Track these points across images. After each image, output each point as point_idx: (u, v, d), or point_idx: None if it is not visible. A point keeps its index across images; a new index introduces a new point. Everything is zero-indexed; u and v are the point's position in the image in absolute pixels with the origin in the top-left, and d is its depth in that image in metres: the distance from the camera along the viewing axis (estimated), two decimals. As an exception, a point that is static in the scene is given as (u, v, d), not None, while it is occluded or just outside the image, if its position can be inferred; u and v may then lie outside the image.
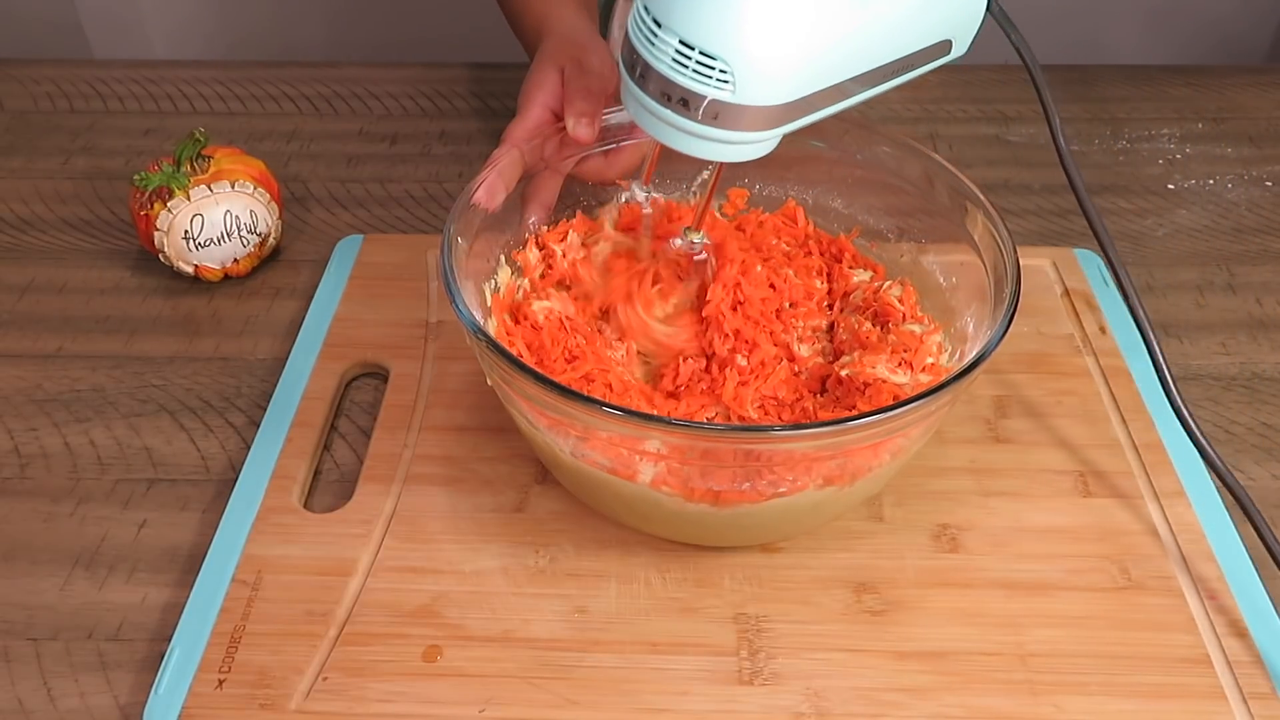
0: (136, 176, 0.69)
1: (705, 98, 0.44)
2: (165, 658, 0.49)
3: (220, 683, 0.48)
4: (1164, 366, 0.54)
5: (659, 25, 0.44)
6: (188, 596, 0.51)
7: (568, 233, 0.61)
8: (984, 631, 0.51)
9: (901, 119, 0.91)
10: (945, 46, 0.49)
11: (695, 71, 0.44)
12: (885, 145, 0.59)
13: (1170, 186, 0.84)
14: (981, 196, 0.55)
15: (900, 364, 0.54)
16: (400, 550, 0.54)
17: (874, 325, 0.58)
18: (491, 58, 0.99)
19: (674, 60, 0.44)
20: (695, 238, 0.57)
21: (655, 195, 0.58)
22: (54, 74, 0.96)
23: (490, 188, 0.56)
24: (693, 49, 0.44)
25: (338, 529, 0.55)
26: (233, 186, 0.69)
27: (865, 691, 0.48)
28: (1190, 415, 0.53)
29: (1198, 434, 0.53)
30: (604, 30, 0.99)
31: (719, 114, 0.45)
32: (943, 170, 0.57)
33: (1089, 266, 0.72)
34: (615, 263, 0.59)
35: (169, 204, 0.68)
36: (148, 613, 0.52)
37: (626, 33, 0.47)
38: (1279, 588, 0.53)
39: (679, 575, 0.53)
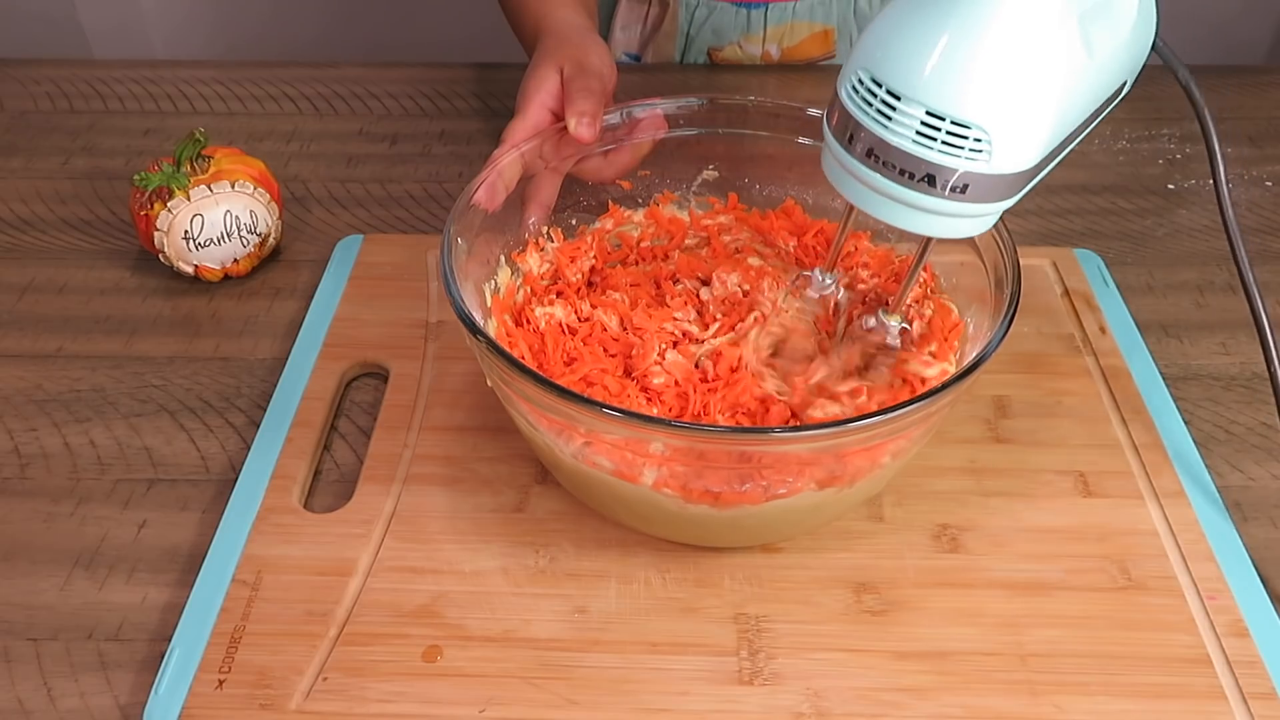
0: (136, 176, 0.69)
1: (956, 170, 0.41)
2: (165, 658, 0.49)
3: (220, 683, 0.48)
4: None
5: (897, 97, 0.41)
6: (188, 596, 0.51)
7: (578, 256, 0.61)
8: (984, 631, 0.51)
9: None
10: (1122, 88, 0.47)
11: (945, 144, 0.41)
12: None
13: (1170, 186, 0.84)
14: (982, 196, 0.55)
15: (932, 353, 0.54)
16: (400, 550, 0.54)
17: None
18: (491, 58, 0.99)
19: (919, 134, 0.41)
20: (892, 322, 0.52)
21: (834, 283, 0.54)
22: (54, 74, 0.96)
23: (490, 188, 0.56)
24: (943, 119, 0.40)
25: (338, 529, 0.55)
26: (233, 186, 0.69)
27: (865, 691, 0.48)
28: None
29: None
30: (604, 30, 1.00)
31: (968, 186, 0.42)
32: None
33: (1089, 266, 0.72)
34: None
35: (169, 204, 0.68)
36: (148, 613, 0.52)
37: (840, 107, 0.43)
38: (1279, 588, 0.53)
39: (679, 575, 0.53)
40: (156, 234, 0.68)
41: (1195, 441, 0.60)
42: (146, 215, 0.68)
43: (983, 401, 0.62)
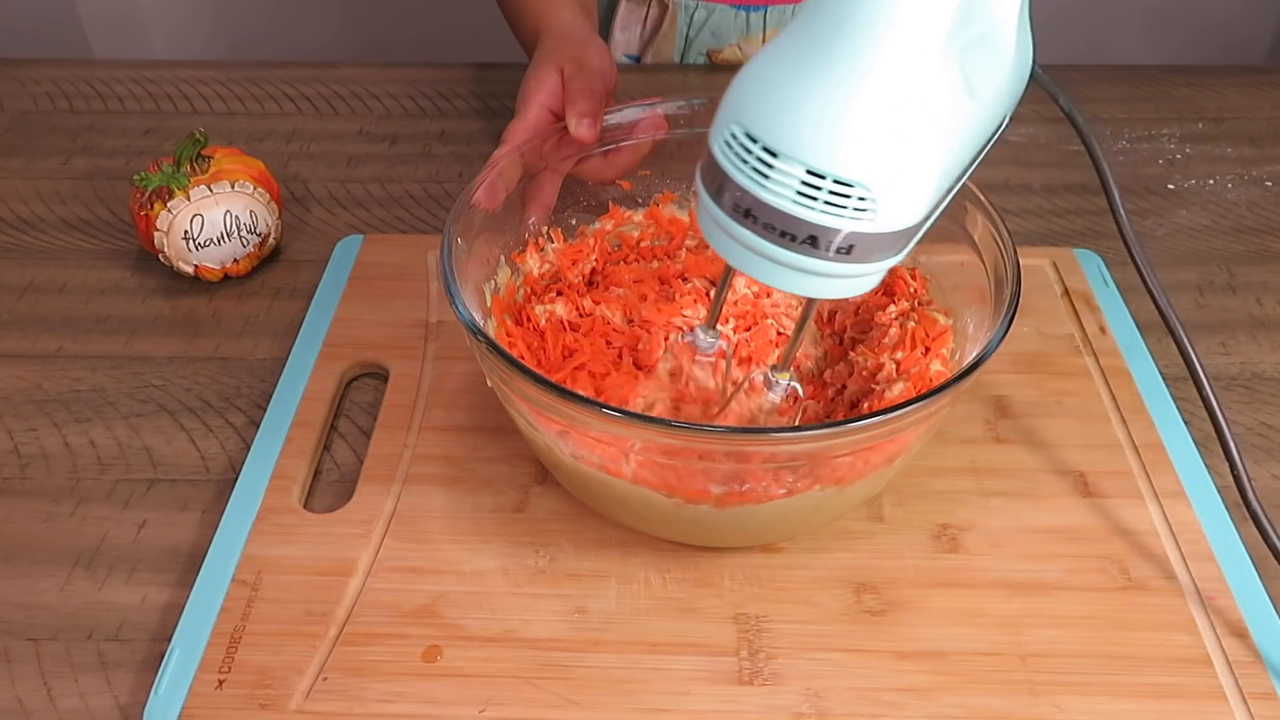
0: (136, 176, 0.69)
1: (840, 231, 0.38)
2: (165, 658, 0.49)
3: (220, 683, 0.48)
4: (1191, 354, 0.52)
5: (774, 155, 0.38)
6: (188, 596, 0.51)
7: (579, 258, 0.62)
8: (984, 631, 0.51)
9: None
10: (1002, 123, 0.45)
11: (828, 204, 0.38)
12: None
13: (1170, 186, 0.83)
14: (981, 196, 0.55)
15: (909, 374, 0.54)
16: (400, 550, 0.54)
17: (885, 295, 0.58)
18: (491, 58, 0.99)
19: (799, 194, 0.38)
20: (781, 379, 0.49)
21: (721, 340, 0.51)
22: (54, 74, 0.96)
23: (490, 188, 0.56)
24: (824, 178, 0.37)
25: (338, 529, 0.55)
26: (233, 186, 0.69)
27: (865, 691, 0.48)
28: (1220, 409, 0.50)
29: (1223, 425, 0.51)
30: (604, 32, 1.00)
31: (854, 246, 0.39)
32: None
33: (1089, 266, 0.72)
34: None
35: (169, 204, 0.68)
36: (148, 613, 0.52)
37: (714, 163, 0.40)
38: (1279, 588, 0.53)
39: (679, 575, 0.53)
40: (156, 234, 0.68)
41: (1195, 441, 0.60)
42: (146, 215, 0.68)
43: (983, 401, 0.62)
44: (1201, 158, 0.87)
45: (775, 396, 0.49)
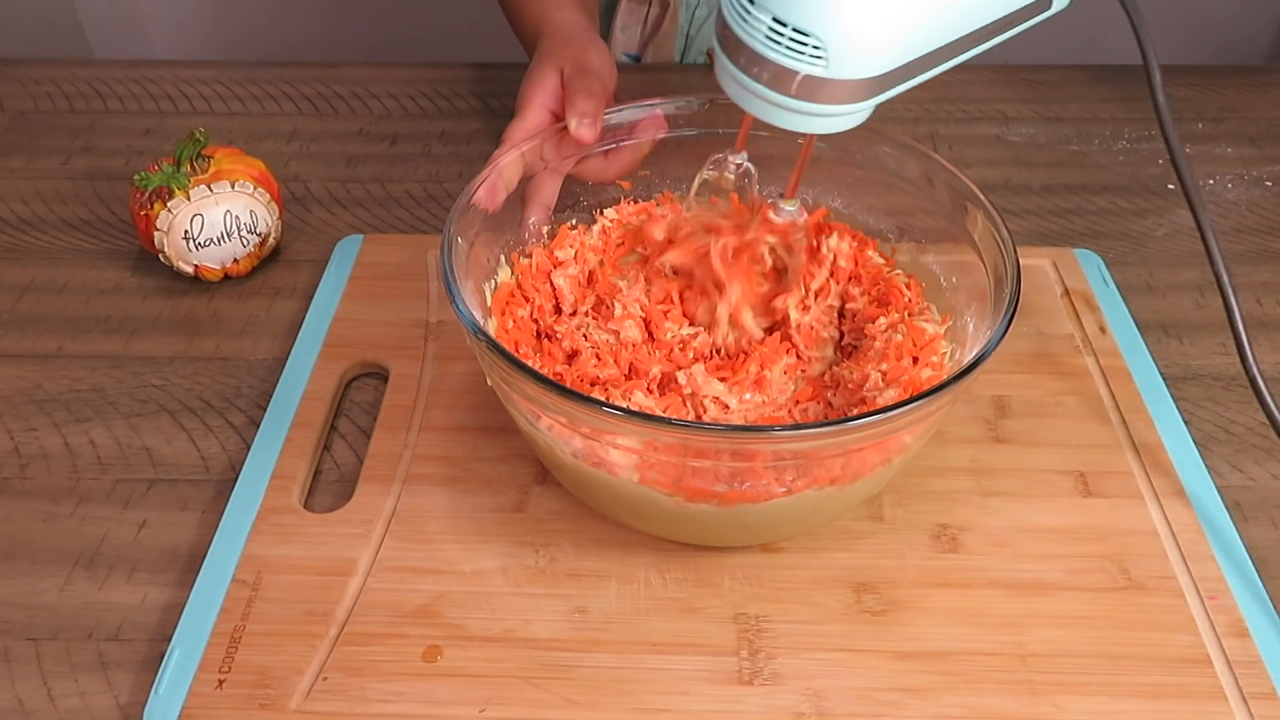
0: (136, 176, 0.69)
1: (799, 74, 0.44)
2: (165, 658, 0.49)
3: (220, 683, 0.48)
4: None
5: (751, 3, 0.44)
6: (188, 596, 0.51)
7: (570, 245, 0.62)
8: (984, 631, 0.51)
9: (901, 119, 0.91)
10: (1044, 3, 0.48)
11: (788, 48, 0.44)
12: (885, 145, 0.59)
13: (1170, 186, 0.83)
14: (981, 196, 0.55)
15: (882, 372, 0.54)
16: (400, 550, 0.54)
17: (878, 305, 0.59)
18: (491, 58, 0.99)
19: (767, 37, 0.44)
20: (789, 207, 0.57)
21: (748, 164, 0.58)
22: (54, 74, 0.96)
23: (490, 188, 0.56)
24: (785, 26, 0.44)
25: (338, 529, 0.55)
26: (233, 186, 0.69)
27: (865, 691, 0.48)
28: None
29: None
30: (604, 31, 0.99)
31: (813, 89, 0.45)
32: (943, 170, 0.57)
33: (1089, 266, 0.72)
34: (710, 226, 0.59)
35: (169, 204, 0.68)
36: (148, 613, 0.52)
37: (719, 8, 0.47)
38: (1279, 588, 0.53)
39: (679, 575, 0.53)
40: (156, 234, 0.68)
41: (1195, 441, 0.60)
42: (146, 215, 0.68)
43: (983, 401, 0.62)
44: (1201, 158, 0.87)
45: (780, 219, 0.57)
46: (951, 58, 0.47)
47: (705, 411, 0.55)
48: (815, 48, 0.43)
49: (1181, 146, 0.55)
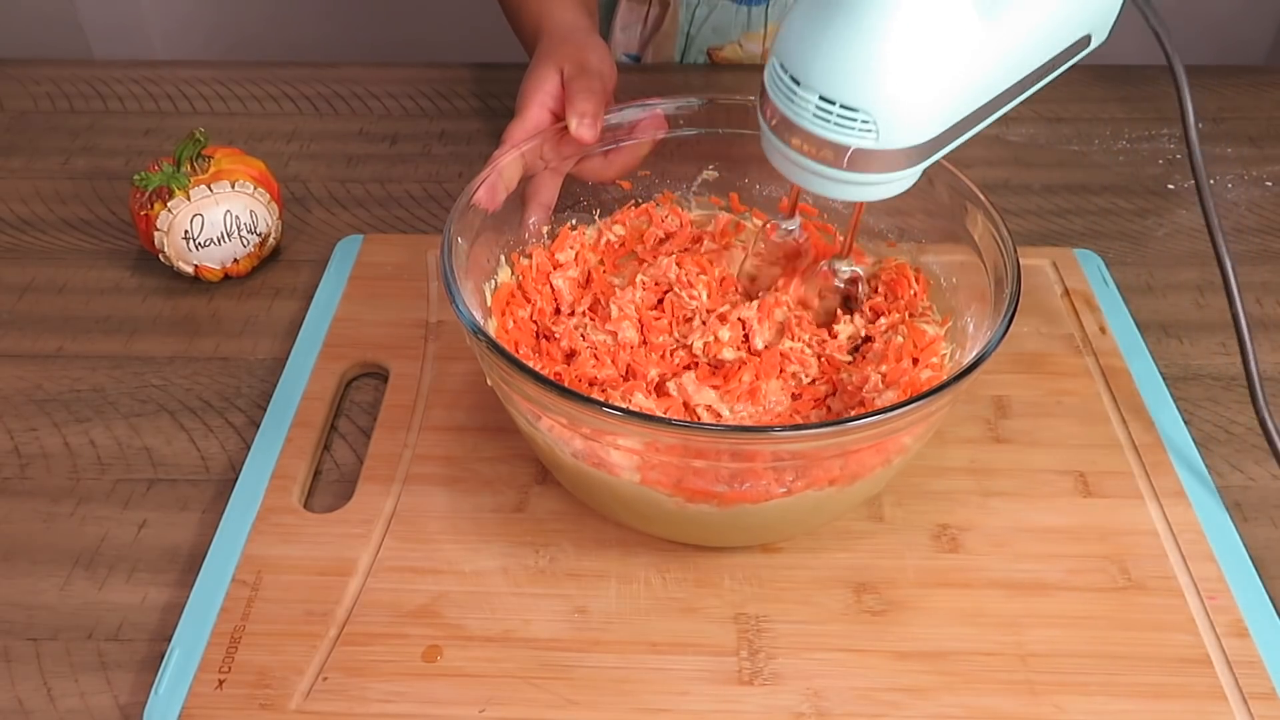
0: (136, 176, 0.69)
1: (849, 147, 0.45)
2: (165, 658, 0.49)
3: (220, 683, 0.48)
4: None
5: (797, 82, 0.45)
6: (188, 596, 0.51)
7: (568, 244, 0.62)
8: (984, 631, 0.51)
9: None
10: (1084, 42, 0.49)
11: (837, 124, 0.45)
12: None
13: (1170, 186, 0.83)
14: (981, 196, 0.55)
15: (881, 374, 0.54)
16: (400, 550, 0.54)
17: (883, 298, 0.59)
18: (491, 58, 0.99)
19: (815, 115, 0.45)
20: (843, 266, 0.58)
21: (799, 230, 0.59)
22: (54, 74, 0.96)
23: (490, 188, 0.56)
24: (834, 104, 0.44)
25: (338, 529, 0.55)
26: (233, 186, 0.69)
27: (865, 691, 0.48)
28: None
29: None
30: (604, 31, 0.99)
31: (865, 160, 0.45)
32: (943, 170, 0.57)
33: (1089, 266, 0.72)
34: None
35: (169, 204, 0.68)
36: (148, 613, 0.52)
37: (763, 86, 0.47)
38: (1279, 588, 0.53)
39: (679, 575, 0.53)
40: (156, 234, 0.68)
41: (1195, 441, 0.60)
42: (146, 215, 0.68)
43: (983, 401, 0.62)
44: (1202, 158, 0.87)
45: (839, 281, 0.58)
46: (999, 109, 0.48)
47: (699, 419, 0.54)
48: (864, 122, 0.44)
49: (1200, 153, 0.55)
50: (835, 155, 0.46)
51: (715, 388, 0.55)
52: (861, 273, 0.58)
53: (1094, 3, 0.48)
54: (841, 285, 0.58)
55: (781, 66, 0.46)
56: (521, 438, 0.55)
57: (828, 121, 0.45)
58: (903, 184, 0.48)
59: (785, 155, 0.48)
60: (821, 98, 0.44)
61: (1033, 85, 0.48)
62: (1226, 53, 1.73)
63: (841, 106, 0.44)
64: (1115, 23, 0.50)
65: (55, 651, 0.51)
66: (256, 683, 0.48)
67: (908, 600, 0.52)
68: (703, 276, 0.60)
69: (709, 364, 0.56)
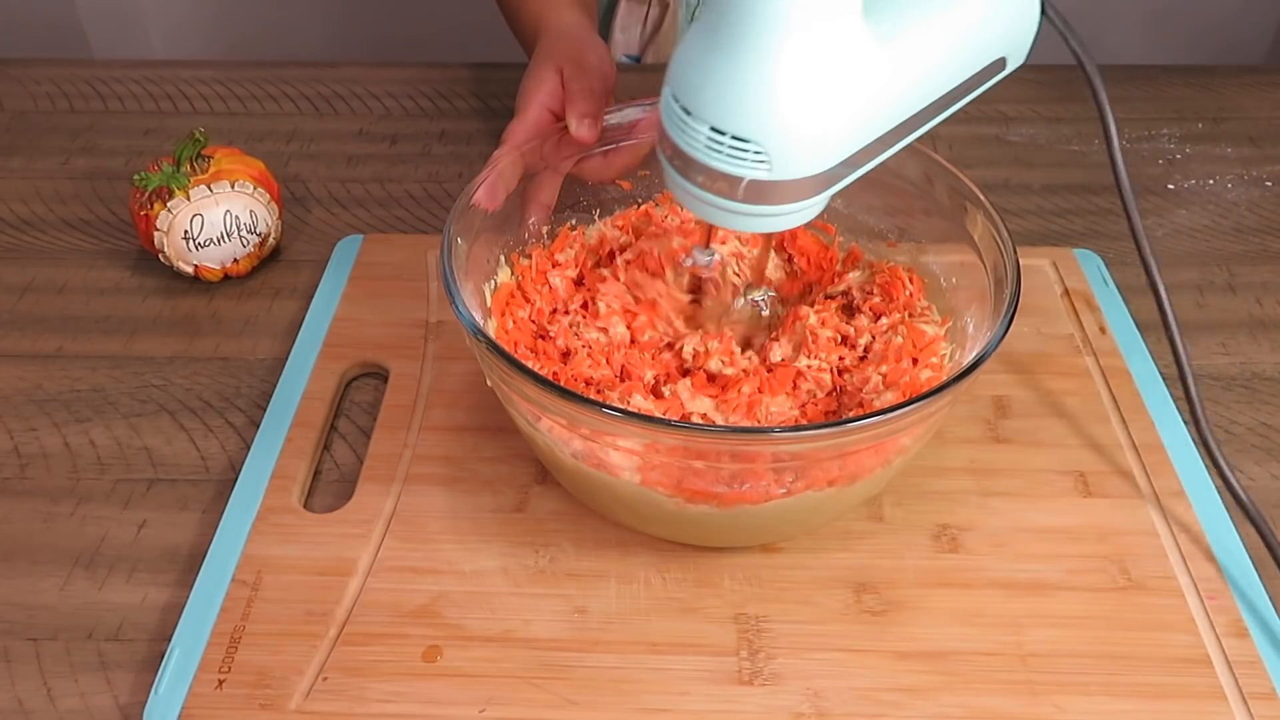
0: (136, 176, 0.69)
1: (744, 179, 0.44)
2: (165, 658, 0.49)
3: (220, 683, 0.48)
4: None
5: (688, 113, 0.43)
6: (188, 596, 0.51)
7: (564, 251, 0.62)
8: (984, 631, 0.51)
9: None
10: (999, 65, 0.47)
11: (729, 155, 0.43)
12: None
13: (1170, 186, 0.83)
14: (981, 196, 0.55)
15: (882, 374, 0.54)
16: (400, 550, 0.54)
17: (881, 299, 0.59)
18: (491, 58, 0.99)
19: (707, 146, 0.43)
20: (756, 295, 0.57)
21: (716, 259, 0.58)
22: (54, 74, 0.96)
23: (490, 188, 0.56)
24: (724, 134, 0.43)
25: (338, 529, 0.55)
26: (233, 186, 0.69)
27: (865, 691, 0.48)
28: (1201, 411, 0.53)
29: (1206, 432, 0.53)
30: (604, 31, 0.99)
31: (760, 191, 0.44)
32: (943, 170, 0.57)
33: (1089, 266, 0.72)
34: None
35: (169, 204, 0.68)
36: (148, 613, 0.52)
37: (660, 119, 0.46)
38: (1279, 588, 0.53)
39: (679, 575, 0.53)
40: (156, 234, 0.68)
41: (1195, 441, 0.60)
42: (146, 215, 0.68)
43: (983, 401, 0.62)
44: (1201, 158, 0.87)
45: (742, 303, 0.57)
46: (910, 133, 0.46)
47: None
48: (757, 153, 0.42)
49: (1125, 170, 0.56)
50: (730, 187, 0.44)
51: (712, 397, 0.55)
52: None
53: (1004, 26, 0.47)
54: (748, 306, 0.57)
55: (674, 96, 0.44)
56: (521, 438, 0.55)
57: (719, 153, 0.43)
58: (806, 214, 0.47)
59: (683, 188, 0.46)
60: (712, 128, 0.43)
61: (945, 109, 0.47)
62: (1226, 53, 1.73)
63: (733, 137, 0.42)
64: (1033, 45, 0.48)
65: (55, 651, 0.51)
66: (256, 683, 0.48)
67: (908, 600, 0.52)
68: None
69: (705, 372, 0.56)
